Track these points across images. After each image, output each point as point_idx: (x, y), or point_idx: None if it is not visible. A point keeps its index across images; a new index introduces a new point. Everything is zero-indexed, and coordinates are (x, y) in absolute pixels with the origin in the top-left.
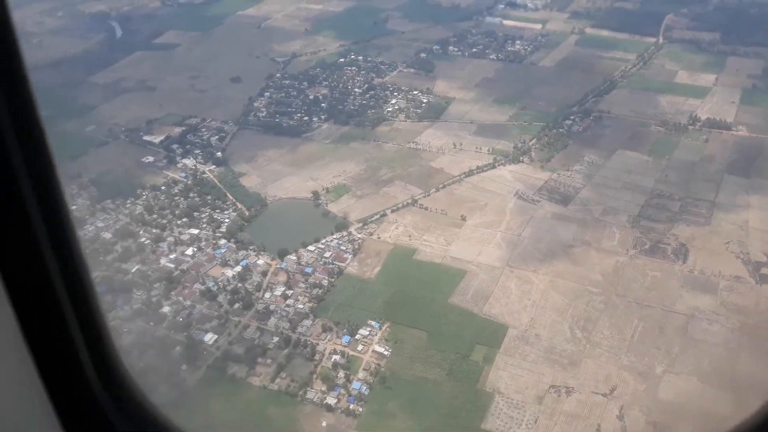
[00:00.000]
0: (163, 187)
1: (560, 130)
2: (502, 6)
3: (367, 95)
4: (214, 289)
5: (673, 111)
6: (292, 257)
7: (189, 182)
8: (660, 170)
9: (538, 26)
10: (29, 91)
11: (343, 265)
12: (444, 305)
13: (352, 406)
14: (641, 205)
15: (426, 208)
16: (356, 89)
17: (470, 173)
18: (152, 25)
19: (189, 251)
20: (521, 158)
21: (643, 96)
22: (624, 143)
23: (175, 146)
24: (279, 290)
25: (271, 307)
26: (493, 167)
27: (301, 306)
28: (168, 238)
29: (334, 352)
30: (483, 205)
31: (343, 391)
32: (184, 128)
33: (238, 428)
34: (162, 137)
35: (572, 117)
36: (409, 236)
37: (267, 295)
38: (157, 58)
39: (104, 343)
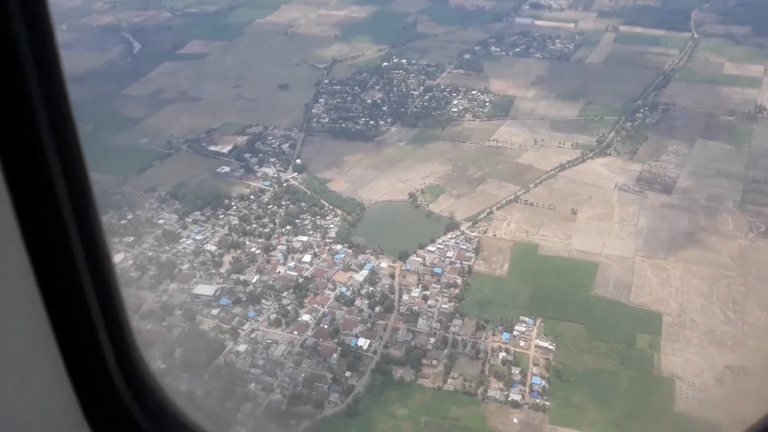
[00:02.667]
0: (251, 197)
1: (634, 122)
2: (527, 7)
3: (426, 97)
4: (348, 294)
5: (735, 101)
6: (416, 258)
7: (276, 190)
8: (746, 157)
9: (571, 25)
10: (64, 87)
11: (469, 264)
12: (589, 297)
13: (537, 401)
14: (741, 191)
15: (531, 204)
16: (413, 92)
17: (562, 168)
18: (169, 35)
19: (306, 258)
20: (607, 151)
21: (700, 88)
22: (701, 133)
23: (247, 155)
24: (415, 292)
25: (414, 309)
26: (583, 161)
27: (444, 306)
28: (278, 247)
29: (498, 349)
30: (588, 199)
31: (521, 386)
32: (248, 137)
33: None
34: (230, 147)
35: (641, 110)
36: (527, 232)
37: (405, 297)
38: (190, 68)
39: (129, 344)
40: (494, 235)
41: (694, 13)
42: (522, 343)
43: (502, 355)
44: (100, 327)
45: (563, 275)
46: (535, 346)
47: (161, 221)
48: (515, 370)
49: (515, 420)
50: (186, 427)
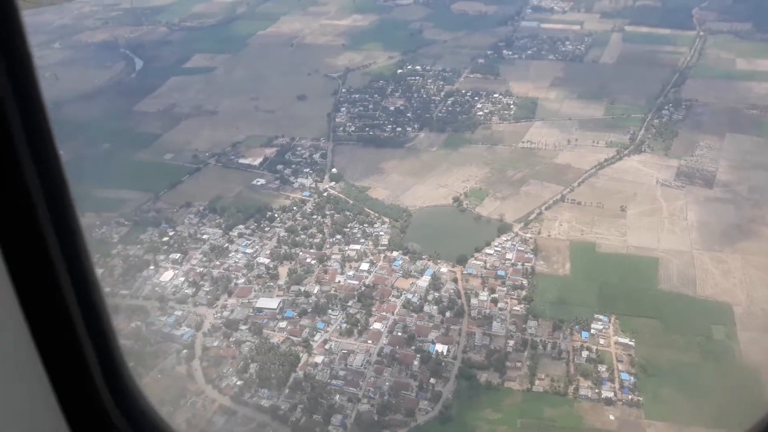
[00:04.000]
0: (294, 208)
1: (661, 119)
2: (529, 11)
3: (449, 102)
4: (415, 300)
5: (755, 95)
6: (476, 262)
7: (317, 200)
8: None
9: (577, 27)
10: (38, 92)
11: (530, 265)
12: (656, 292)
13: (630, 397)
14: None
15: (579, 203)
16: (434, 97)
17: (601, 166)
18: (170, 50)
19: (363, 266)
20: (642, 148)
21: (717, 83)
22: (728, 127)
23: (279, 167)
24: (483, 295)
25: (486, 312)
26: (620, 159)
27: (516, 308)
28: (333, 256)
29: (580, 348)
30: (633, 195)
31: (611, 384)
32: (276, 149)
33: None
34: (260, 159)
35: (666, 107)
36: (581, 231)
37: (473, 301)
38: (199, 83)
39: (111, 350)
40: (549, 236)
41: (695, 11)
42: (602, 341)
43: (584, 354)
44: (82, 335)
45: (626, 272)
46: (615, 343)
47: (205, 236)
48: (601, 368)
49: (612, 417)
50: None
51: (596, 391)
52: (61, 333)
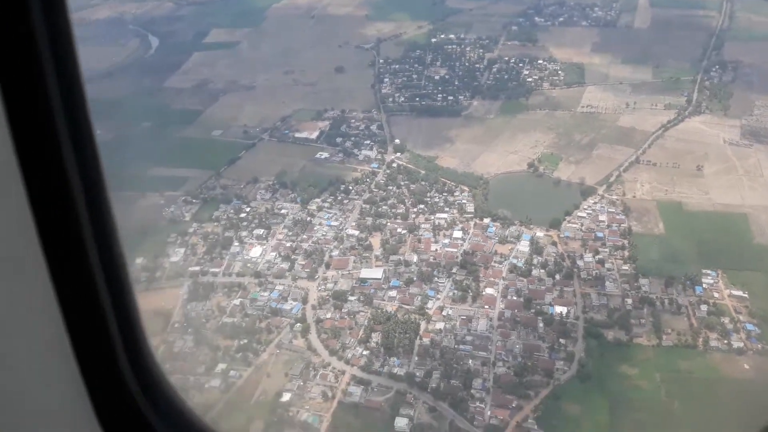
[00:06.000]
0: (366, 180)
1: (712, 81)
2: None
3: (494, 69)
4: (520, 265)
5: None
6: (571, 225)
7: (387, 172)
8: None
9: None
10: (82, 86)
11: (625, 226)
12: (753, 246)
13: (759, 346)
14: None
15: (654, 164)
16: (476, 65)
17: (665, 128)
18: (184, 26)
19: (456, 234)
20: (700, 109)
21: (756, 45)
22: None
23: (339, 140)
24: (587, 257)
25: (595, 273)
26: (681, 120)
27: (623, 268)
28: (422, 226)
29: (697, 302)
30: (704, 155)
31: (737, 335)
32: (329, 122)
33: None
34: (316, 132)
35: (713, 69)
36: (665, 191)
37: (579, 263)
38: (226, 57)
39: (140, 343)
40: (634, 197)
41: None
42: (716, 295)
43: (703, 307)
44: (112, 326)
45: (719, 228)
46: (729, 295)
47: (283, 211)
48: (723, 320)
49: (746, 366)
50: (197, 427)
51: (725, 342)
52: (93, 325)
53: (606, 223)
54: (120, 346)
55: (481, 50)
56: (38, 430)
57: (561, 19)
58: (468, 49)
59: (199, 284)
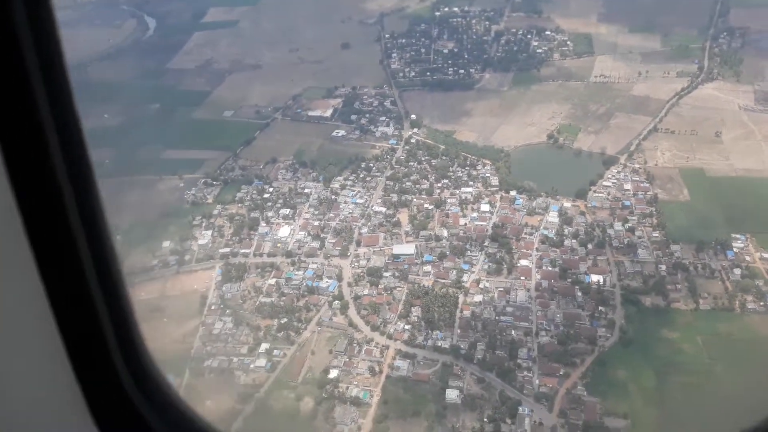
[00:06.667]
0: (386, 156)
1: (721, 47)
2: None
3: (502, 41)
4: (552, 235)
5: None
6: (597, 195)
7: (406, 147)
8: None
9: None
10: (68, 83)
11: (650, 193)
12: None
13: None
14: None
15: (672, 132)
16: (484, 38)
17: (679, 96)
18: (180, 5)
19: (484, 207)
20: (712, 76)
21: (762, 11)
22: None
23: (353, 116)
24: (617, 226)
25: (626, 241)
26: (695, 88)
27: (654, 235)
28: (448, 200)
29: (730, 266)
30: (721, 121)
31: None
32: (341, 99)
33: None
34: (330, 110)
35: (721, 35)
36: (686, 159)
37: (609, 231)
38: (227, 36)
39: (134, 338)
40: (656, 165)
41: None
42: (747, 258)
43: (737, 271)
44: (105, 322)
45: (743, 193)
46: (760, 258)
47: (307, 190)
48: (758, 282)
49: None
50: (192, 422)
51: (761, 303)
52: (85, 321)
53: (632, 192)
54: (113, 340)
55: (487, 22)
56: (31, 427)
57: None
58: (474, 21)
59: (231, 265)
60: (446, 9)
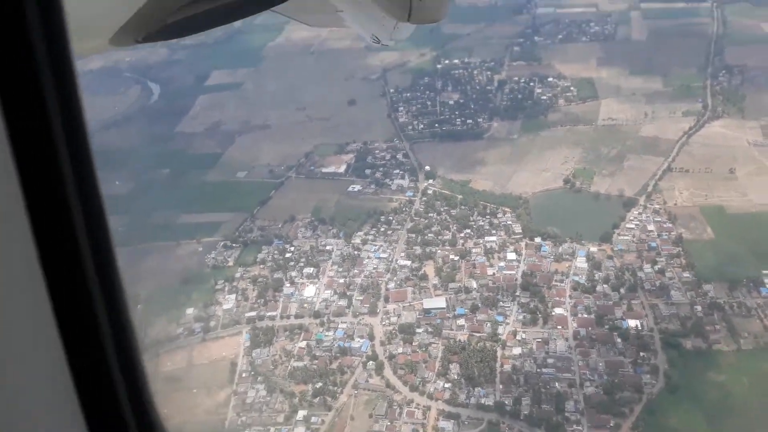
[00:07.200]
0: (404, 209)
1: (722, 86)
2: None
3: (506, 90)
4: (583, 281)
5: None
6: (622, 238)
7: (424, 199)
8: None
9: (593, 9)
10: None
11: (675, 234)
12: None
13: None
14: None
15: (687, 171)
16: (488, 87)
17: (688, 135)
18: (182, 70)
19: (510, 256)
20: (717, 114)
21: (755, 48)
22: None
23: (367, 171)
24: (647, 268)
25: (658, 283)
26: (702, 126)
27: (685, 275)
28: (473, 250)
29: (765, 303)
30: (733, 158)
31: None
32: (353, 154)
33: None
34: (344, 166)
35: (720, 74)
36: (704, 197)
37: (640, 274)
38: (232, 98)
39: (133, 354)
40: (675, 204)
41: None
42: None
43: None
44: (111, 355)
45: (766, 228)
46: None
47: (328, 247)
48: None
49: None
50: None
51: None
52: (88, 339)
53: (656, 233)
54: (114, 357)
55: (488, 72)
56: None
57: (560, 36)
58: (475, 72)
59: (258, 330)
60: (447, 61)
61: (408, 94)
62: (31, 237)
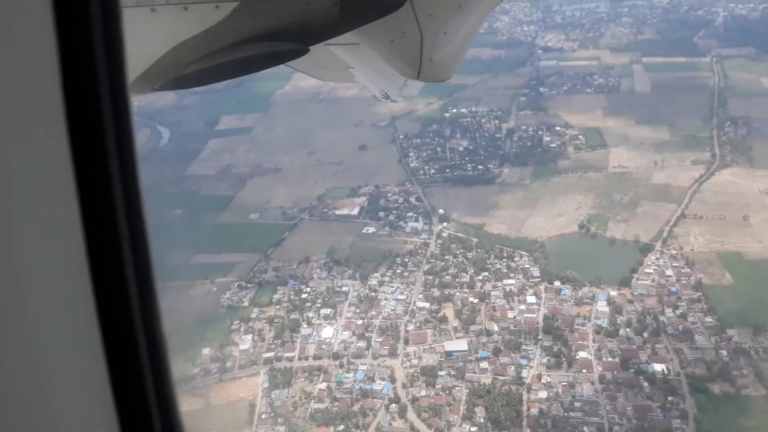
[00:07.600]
0: (420, 251)
1: (728, 136)
2: (540, 51)
3: (514, 138)
4: (605, 325)
5: None
6: (641, 282)
7: (439, 242)
8: None
9: (596, 62)
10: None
11: (694, 279)
12: None
13: None
14: None
15: (700, 217)
16: (496, 135)
17: (699, 183)
18: (191, 115)
19: (530, 299)
20: (726, 163)
21: (757, 100)
22: None
23: (381, 213)
24: (668, 312)
25: (681, 328)
26: (713, 174)
27: (707, 320)
28: (492, 293)
29: None
30: (745, 205)
31: None
32: (366, 197)
33: None
34: (357, 208)
35: (725, 125)
36: (721, 243)
37: (662, 318)
38: (243, 143)
39: (164, 361)
40: (692, 250)
41: (696, 39)
42: None
43: None
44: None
45: None
46: None
47: (345, 288)
48: None
49: None
50: None
51: None
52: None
53: (674, 278)
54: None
55: (496, 121)
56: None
57: (565, 88)
58: (483, 120)
59: (276, 371)
60: (454, 110)
61: (417, 140)
62: (84, 252)
